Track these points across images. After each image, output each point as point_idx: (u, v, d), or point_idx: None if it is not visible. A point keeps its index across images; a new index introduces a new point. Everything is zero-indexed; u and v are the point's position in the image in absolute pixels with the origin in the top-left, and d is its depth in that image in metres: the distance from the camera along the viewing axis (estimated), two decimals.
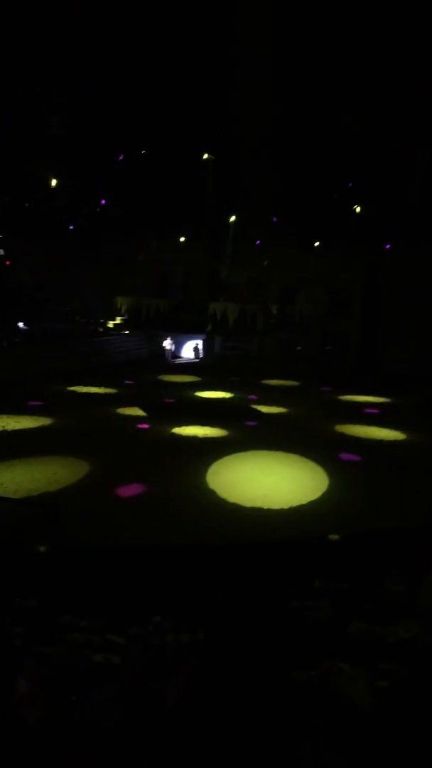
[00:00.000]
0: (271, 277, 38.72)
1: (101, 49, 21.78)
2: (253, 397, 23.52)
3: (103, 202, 35.26)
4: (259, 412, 20.55)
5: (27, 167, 28.71)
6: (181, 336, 36.38)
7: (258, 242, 38.13)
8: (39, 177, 29.14)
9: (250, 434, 17.06)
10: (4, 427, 16.38)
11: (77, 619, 5.22)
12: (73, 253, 37.11)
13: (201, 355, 36.32)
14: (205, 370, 31.62)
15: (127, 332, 36.32)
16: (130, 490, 11.52)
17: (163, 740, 1.81)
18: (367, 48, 22.05)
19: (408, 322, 33.82)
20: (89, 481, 12.06)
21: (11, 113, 24.74)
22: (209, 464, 13.52)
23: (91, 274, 38.45)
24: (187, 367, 32.53)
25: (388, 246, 34.77)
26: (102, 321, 36.94)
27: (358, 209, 33.73)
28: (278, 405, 21.76)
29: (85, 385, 23.90)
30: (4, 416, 17.53)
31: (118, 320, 37.48)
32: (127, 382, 25.64)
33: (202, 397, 23.14)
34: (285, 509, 10.86)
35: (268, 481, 12.45)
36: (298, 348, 37.29)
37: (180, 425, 17.46)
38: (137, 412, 19.22)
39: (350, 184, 33.02)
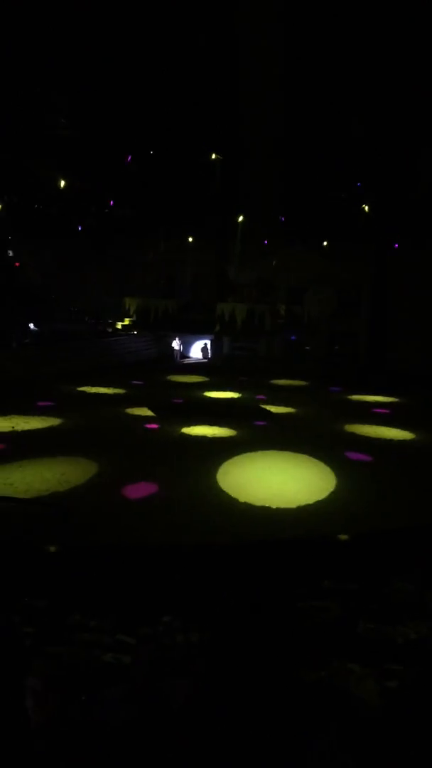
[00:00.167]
0: (279, 277, 38.66)
1: (107, 51, 21.84)
2: (262, 397, 23.50)
3: (112, 203, 35.32)
4: (269, 412, 20.53)
5: (35, 169, 28.82)
6: (189, 336, 36.44)
7: (266, 242, 38.08)
8: (47, 179, 29.25)
9: (259, 434, 17.04)
10: (13, 427, 16.44)
11: (87, 619, 5.24)
12: (82, 254, 37.24)
13: (209, 356, 36.35)
14: (213, 370, 31.63)
15: (135, 333, 36.41)
16: (139, 491, 11.54)
17: (171, 740, 1.82)
18: (371, 47, 21.99)
19: (416, 322, 33.72)
20: (98, 481, 12.07)
21: (19, 115, 24.83)
22: (219, 464, 13.51)
23: (100, 275, 38.59)
24: (196, 368, 32.55)
25: (396, 246, 34.64)
26: (110, 321, 37.04)
27: (366, 209, 33.60)
28: (287, 405, 21.73)
29: (95, 385, 23.96)
30: (14, 416, 17.62)
31: (126, 321, 37.56)
32: (136, 382, 25.69)
33: (210, 397, 23.15)
34: (295, 509, 10.83)
35: (278, 481, 12.43)
36: (307, 348, 37.24)
37: (189, 425, 17.46)
38: (146, 412, 19.24)
39: (358, 184, 32.90)
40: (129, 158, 30.26)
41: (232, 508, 10.84)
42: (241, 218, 36.24)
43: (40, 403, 19.88)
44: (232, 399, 23.08)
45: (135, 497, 11.19)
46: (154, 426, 17.38)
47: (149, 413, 19.10)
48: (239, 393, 24.20)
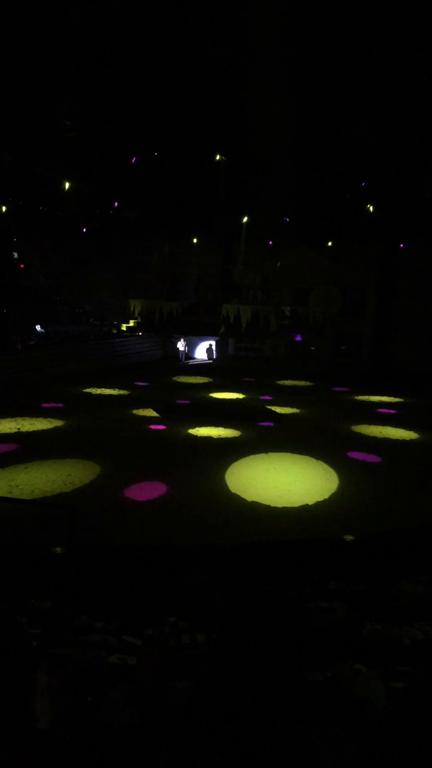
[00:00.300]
0: (284, 278, 38.60)
1: (112, 52, 21.88)
2: (267, 397, 23.50)
3: (116, 204, 35.38)
4: (274, 412, 20.52)
5: (40, 170, 28.90)
6: (194, 337, 36.48)
7: (270, 243, 38.05)
8: (52, 180, 29.33)
9: (265, 435, 17.03)
10: (19, 428, 16.50)
11: (93, 620, 5.24)
12: (87, 256, 37.32)
13: (214, 356, 36.37)
14: (218, 371, 31.64)
15: (140, 334, 36.48)
16: (148, 492, 11.55)
17: (175, 741, 1.81)
18: (379, 47, 21.96)
19: (422, 322, 33.63)
20: (104, 482, 12.09)
21: (23, 117, 24.91)
22: (226, 465, 13.52)
23: (105, 277, 38.66)
24: (201, 369, 32.57)
25: (401, 246, 34.56)
26: (115, 323, 37.10)
27: (371, 209, 33.53)
28: (293, 406, 21.72)
29: (100, 386, 24.02)
30: (19, 418, 17.67)
31: (131, 323, 37.61)
32: (141, 383, 25.73)
33: (216, 398, 23.15)
34: (302, 509, 10.83)
35: (285, 482, 12.41)
36: (312, 348, 37.21)
37: (195, 426, 17.48)
38: (152, 413, 19.27)
39: (363, 184, 32.83)
40: (134, 160, 30.29)
41: (239, 508, 10.84)
42: (245, 219, 36.23)
43: (46, 405, 19.93)
44: (237, 400, 23.08)
45: (143, 498, 11.20)
46: (160, 427, 17.39)
47: (155, 414, 19.12)
48: (245, 394, 24.20)
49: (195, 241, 39.18)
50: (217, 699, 1.61)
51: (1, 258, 37.21)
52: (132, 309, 37.82)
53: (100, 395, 22.47)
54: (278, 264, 38.01)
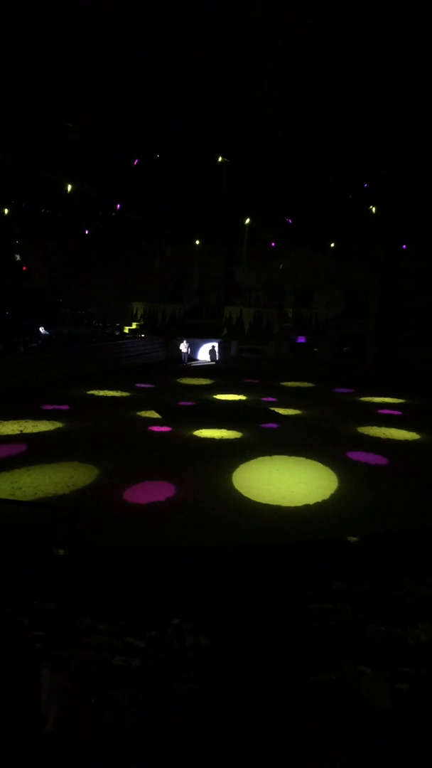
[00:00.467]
0: (287, 279, 38.59)
1: (113, 54, 21.90)
2: (271, 399, 23.49)
3: (119, 206, 35.40)
4: (278, 414, 20.50)
5: (42, 173, 28.94)
6: (196, 339, 36.52)
7: (273, 244, 38.04)
8: (54, 182, 29.37)
9: (268, 436, 17.01)
10: (22, 430, 16.51)
11: (97, 622, 5.24)
12: (90, 258, 37.37)
13: (217, 358, 36.40)
14: (221, 372, 31.65)
15: (143, 336, 36.52)
16: (148, 494, 11.53)
17: (179, 743, 1.80)
18: (381, 47, 21.94)
19: (425, 323, 33.60)
20: (107, 484, 12.07)
21: (25, 119, 24.95)
22: (230, 466, 13.49)
23: (107, 279, 38.70)
24: (204, 370, 32.58)
25: (404, 247, 34.53)
26: (118, 325, 37.14)
27: (373, 210, 33.50)
28: (296, 407, 21.70)
29: (103, 388, 24.03)
30: (22, 420, 17.68)
31: (134, 325, 37.65)
32: (145, 385, 25.74)
33: (220, 400, 23.15)
34: (306, 510, 10.81)
35: (288, 483, 12.39)
36: (315, 350, 37.20)
37: (199, 428, 17.46)
38: (156, 415, 19.26)
39: (366, 185, 32.79)
40: (136, 162, 30.30)
41: (243, 509, 10.82)
42: (248, 221, 36.23)
43: (49, 407, 19.94)
44: (241, 401, 23.07)
45: (147, 500, 11.18)
46: (164, 429, 17.38)
47: (159, 416, 19.11)
48: (248, 395, 24.19)
49: (197, 243, 39.20)
50: (220, 701, 1.60)
51: (3, 260, 37.30)
52: (134, 311, 37.87)
53: (103, 397, 22.48)
54: (281, 265, 38.00)
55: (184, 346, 34.98)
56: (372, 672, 3.41)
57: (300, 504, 11.16)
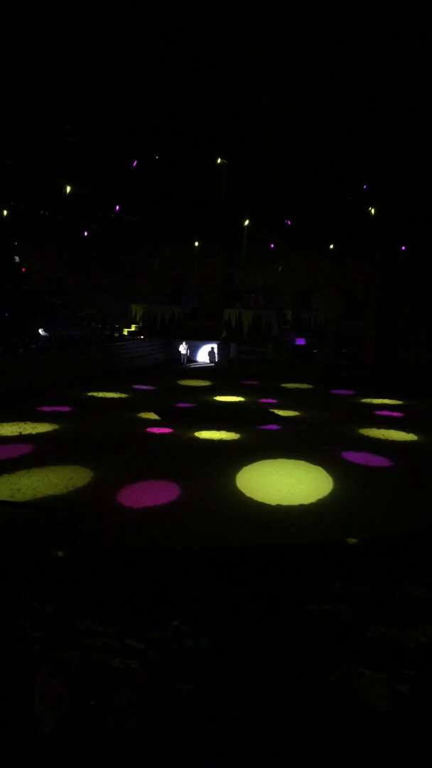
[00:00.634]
0: (286, 281, 38.63)
1: (112, 55, 21.93)
2: (271, 400, 23.48)
3: (118, 208, 35.43)
4: (277, 415, 20.49)
5: (41, 174, 28.97)
6: (196, 340, 36.54)
7: (272, 246, 38.08)
8: (54, 184, 29.39)
9: (269, 438, 17.00)
10: (20, 432, 16.49)
11: (96, 624, 5.22)
12: (89, 260, 37.41)
13: (216, 360, 36.42)
14: (221, 374, 31.64)
15: (142, 337, 36.55)
16: (148, 495, 11.52)
17: (179, 745, 1.80)
18: (379, 46, 21.97)
19: (424, 324, 33.64)
20: (106, 485, 12.07)
21: (24, 122, 24.98)
22: (231, 468, 13.47)
23: (107, 281, 38.72)
24: (203, 372, 32.57)
25: (403, 248, 34.55)
26: (117, 327, 37.17)
27: (372, 212, 33.54)
28: (296, 409, 21.69)
29: (103, 390, 24.02)
30: (21, 422, 17.67)
31: (133, 327, 37.68)
32: (144, 387, 25.73)
33: (220, 401, 23.14)
34: (305, 513, 10.80)
35: (288, 485, 12.37)
36: (314, 351, 37.22)
37: (200, 429, 17.44)
38: (155, 416, 19.25)
39: (365, 187, 32.83)
40: (135, 163, 30.35)
41: (245, 510, 10.81)
42: (247, 223, 36.27)
43: (49, 408, 19.93)
44: (241, 403, 23.06)
45: (146, 502, 11.16)
46: (165, 430, 17.37)
47: (159, 418, 19.10)
48: (248, 397, 24.19)
49: (196, 244, 39.23)
50: (220, 702, 1.60)
51: (3, 262, 37.31)
52: (134, 314, 37.92)
53: (102, 398, 22.47)
54: (280, 267, 38.06)
55: (183, 348, 35.01)
56: (371, 674, 3.40)
57: (299, 505, 11.15)
